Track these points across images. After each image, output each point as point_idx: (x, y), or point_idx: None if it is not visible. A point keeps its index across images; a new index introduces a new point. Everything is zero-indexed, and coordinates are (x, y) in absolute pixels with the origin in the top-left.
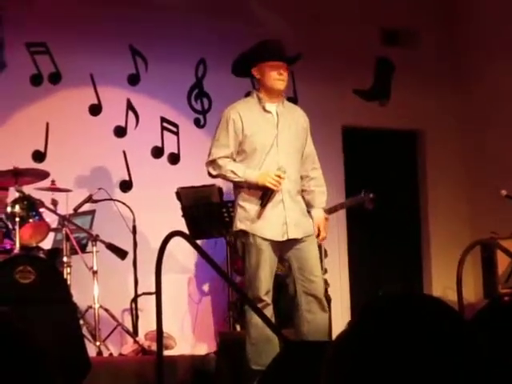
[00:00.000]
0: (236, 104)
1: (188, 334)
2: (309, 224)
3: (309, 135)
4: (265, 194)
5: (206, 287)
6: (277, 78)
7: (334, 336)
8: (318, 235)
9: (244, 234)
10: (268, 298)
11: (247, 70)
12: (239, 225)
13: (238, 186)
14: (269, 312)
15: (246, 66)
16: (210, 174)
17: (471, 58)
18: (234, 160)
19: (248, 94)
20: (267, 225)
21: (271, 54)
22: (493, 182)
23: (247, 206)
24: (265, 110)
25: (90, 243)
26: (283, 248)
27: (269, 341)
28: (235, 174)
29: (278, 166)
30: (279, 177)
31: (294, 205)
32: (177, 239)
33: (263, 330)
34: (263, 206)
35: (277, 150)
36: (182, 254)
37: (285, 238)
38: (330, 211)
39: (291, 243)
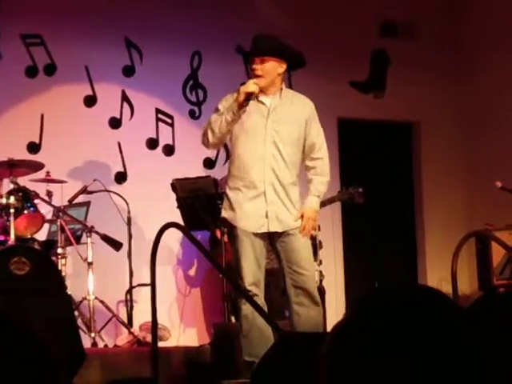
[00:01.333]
0: (232, 94)
1: (177, 325)
2: (293, 217)
3: (313, 126)
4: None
5: (195, 278)
6: (252, 73)
7: (328, 327)
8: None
9: (228, 224)
10: (255, 289)
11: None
12: (223, 213)
13: (228, 174)
14: (258, 303)
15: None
16: (206, 144)
17: (469, 51)
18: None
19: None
20: (245, 215)
21: (250, 49)
22: (488, 174)
23: (231, 196)
24: (258, 100)
25: (84, 234)
26: (271, 240)
27: (261, 332)
28: (217, 110)
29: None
30: (255, 83)
31: (278, 198)
32: (170, 231)
33: (253, 320)
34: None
35: (264, 141)
36: (173, 244)
37: (262, 231)
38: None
39: (277, 236)
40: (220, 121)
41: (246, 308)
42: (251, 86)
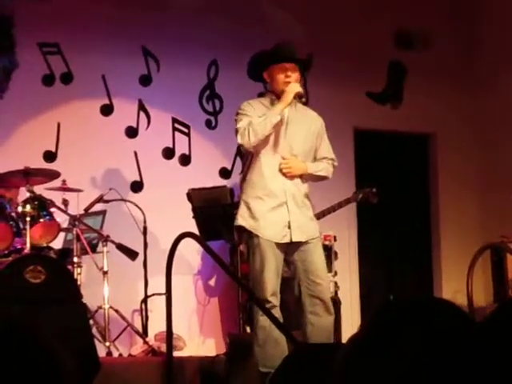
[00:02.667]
0: (251, 100)
1: (196, 335)
2: (314, 227)
3: (324, 139)
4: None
5: (213, 288)
6: (284, 80)
7: (343, 338)
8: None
9: (247, 232)
10: (274, 300)
11: (259, 74)
12: (240, 221)
13: (244, 184)
14: (275, 314)
15: (257, 70)
16: (246, 145)
17: (485, 62)
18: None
19: (261, 95)
20: (268, 225)
21: (277, 56)
22: (504, 187)
23: (251, 204)
24: (301, 101)
25: (100, 243)
26: (288, 250)
27: (277, 343)
28: (269, 119)
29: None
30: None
31: (298, 208)
32: (186, 240)
33: (270, 331)
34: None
35: (283, 151)
36: (191, 254)
37: (285, 241)
38: (333, 208)
39: (296, 245)
40: (264, 124)
41: (264, 319)
42: (297, 86)
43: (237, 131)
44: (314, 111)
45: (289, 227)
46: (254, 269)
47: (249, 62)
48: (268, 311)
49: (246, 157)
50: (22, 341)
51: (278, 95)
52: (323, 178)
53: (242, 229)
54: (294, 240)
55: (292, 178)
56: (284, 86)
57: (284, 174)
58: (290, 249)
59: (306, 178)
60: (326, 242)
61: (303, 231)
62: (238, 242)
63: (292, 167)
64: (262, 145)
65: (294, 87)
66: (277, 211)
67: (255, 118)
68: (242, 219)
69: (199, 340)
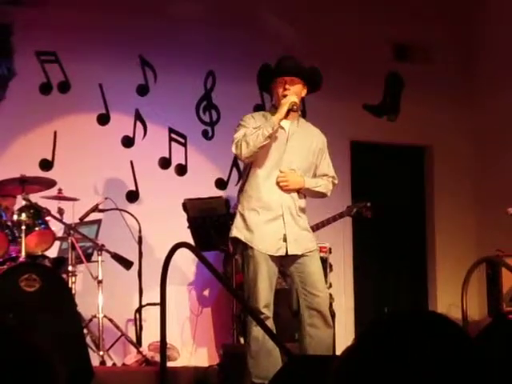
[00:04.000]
0: (255, 113)
1: (189, 345)
2: (310, 240)
3: (325, 157)
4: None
5: (206, 299)
6: (283, 93)
7: (337, 350)
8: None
9: (241, 244)
10: (267, 311)
11: (267, 87)
12: (235, 232)
13: (241, 195)
14: (269, 325)
15: (263, 84)
16: (239, 156)
17: (482, 76)
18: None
19: (257, 106)
20: (263, 238)
21: (276, 69)
22: (500, 200)
23: (247, 216)
24: (294, 111)
25: (95, 253)
26: (284, 263)
27: (269, 354)
28: (261, 131)
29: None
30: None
31: (294, 221)
32: (180, 250)
33: (263, 342)
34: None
35: (282, 165)
36: (185, 264)
37: (279, 254)
38: (328, 221)
39: (292, 258)
40: (256, 135)
41: (257, 330)
42: (292, 97)
43: (232, 141)
44: (314, 125)
45: (284, 240)
46: (248, 280)
47: (257, 76)
48: (262, 322)
49: (245, 168)
50: (16, 349)
51: (278, 105)
52: (322, 195)
53: (236, 240)
54: (289, 253)
55: (289, 191)
56: (282, 98)
57: (281, 188)
58: (285, 261)
59: (303, 193)
60: (321, 254)
61: (299, 244)
62: (233, 252)
63: (289, 181)
64: (261, 158)
65: (288, 99)
66: (272, 224)
67: (250, 129)
68: (237, 231)
69: (192, 350)
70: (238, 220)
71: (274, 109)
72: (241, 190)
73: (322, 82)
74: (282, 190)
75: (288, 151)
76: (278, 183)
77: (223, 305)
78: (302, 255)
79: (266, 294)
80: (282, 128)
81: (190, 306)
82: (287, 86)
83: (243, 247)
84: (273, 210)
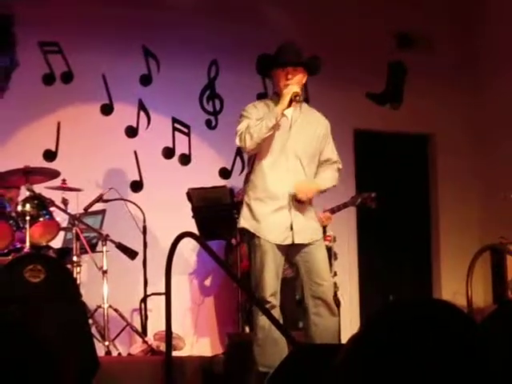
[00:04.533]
0: (257, 102)
1: (190, 335)
2: (316, 229)
3: (328, 142)
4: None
5: (209, 288)
6: (285, 83)
7: (343, 339)
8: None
9: (248, 233)
10: (274, 300)
11: (266, 74)
12: (243, 223)
13: (248, 185)
14: (275, 314)
15: (263, 72)
16: (243, 148)
17: (486, 64)
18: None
19: (260, 96)
20: (270, 227)
21: (278, 59)
22: (503, 187)
23: (254, 206)
24: (297, 102)
25: (100, 243)
26: (290, 252)
27: (276, 343)
28: (265, 122)
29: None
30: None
31: (300, 211)
32: (186, 240)
33: (270, 331)
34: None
35: (286, 153)
36: (188, 254)
37: (287, 243)
38: (332, 211)
39: (298, 247)
40: (260, 127)
41: (263, 319)
42: (294, 87)
43: (236, 133)
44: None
45: (291, 229)
46: (255, 269)
47: (255, 64)
48: (267, 311)
49: (249, 158)
50: (21, 340)
51: (280, 93)
52: (333, 187)
53: (244, 230)
54: (296, 242)
55: (308, 200)
56: (284, 88)
57: (299, 201)
58: (292, 250)
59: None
60: (326, 243)
61: (306, 233)
62: (240, 242)
63: (306, 192)
64: (265, 147)
65: (291, 89)
66: (279, 213)
67: (254, 120)
68: (245, 221)
69: (193, 339)
70: (244, 210)
71: (276, 96)
72: (246, 180)
73: (321, 68)
74: (301, 202)
75: (292, 138)
76: (298, 200)
77: (226, 294)
78: (308, 244)
79: (272, 282)
80: (285, 115)
81: (192, 295)
82: (290, 76)
83: (250, 237)
84: (279, 200)
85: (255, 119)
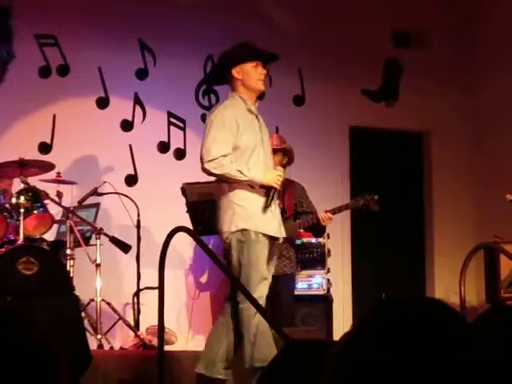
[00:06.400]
0: (226, 104)
1: (185, 330)
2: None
3: None
4: (268, 194)
5: (204, 283)
6: (259, 78)
7: (335, 336)
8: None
9: (244, 232)
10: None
11: (226, 72)
12: (241, 224)
13: (234, 188)
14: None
15: (226, 67)
16: (210, 174)
17: (481, 61)
18: None
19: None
20: (269, 221)
21: (255, 54)
22: (498, 186)
23: (247, 205)
24: (250, 112)
25: (93, 236)
26: (273, 248)
27: (266, 338)
28: (242, 173)
29: (267, 166)
30: (280, 176)
31: (276, 207)
32: (178, 234)
33: (261, 326)
34: (269, 205)
35: (262, 151)
36: (183, 248)
37: (281, 235)
38: (333, 212)
39: (278, 244)
40: (234, 174)
41: (255, 314)
42: (278, 183)
43: (210, 152)
44: (310, 108)
45: (280, 223)
46: (250, 264)
47: (218, 61)
48: (260, 307)
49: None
50: (14, 333)
51: (248, 91)
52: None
53: (240, 231)
54: (283, 235)
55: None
56: (258, 83)
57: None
58: (275, 246)
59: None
60: (320, 239)
61: (283, 228)
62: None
63: (275, 181)
64: (246, 145)
65: (274, 182)
66: (269, 209)
67: (230, 166)
68: (242, 222)
69: (188, 334)
70: (238, 212)
71: (244, 94)
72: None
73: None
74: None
75: (264, 145)
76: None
77: (221, 289)
78: (278, 241)
79: (265, 275)
80: (253, 113)
81: (187, 290)
82: (263, 71)
83: (245, 234)
84: (265, 197)
85: (230, 160)
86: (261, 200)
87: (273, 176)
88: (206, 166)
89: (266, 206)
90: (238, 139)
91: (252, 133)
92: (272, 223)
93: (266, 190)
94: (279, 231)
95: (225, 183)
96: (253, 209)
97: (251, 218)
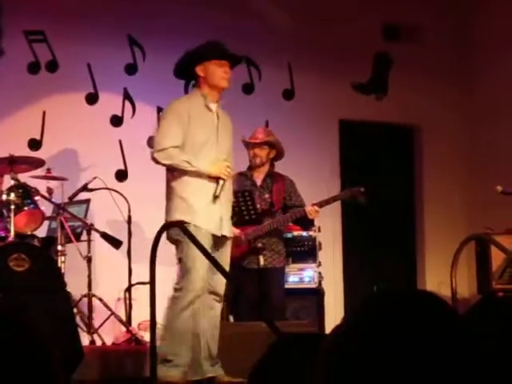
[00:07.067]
0: (182, 98)
1: None
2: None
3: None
4: (218, 184)
5: None
6: (223, 76)
7: (327, 329)
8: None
9: (187, 225)
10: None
11: (190, 68)
12: (178, 216)
13: (177, 177)
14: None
15: (190, 64)
16: (158, 163)
17: (472, 55)
18: None
19: (245, 87)
20: (208, 217)
21: (220, 52)
22: (489, 178)
23: (190, 199)
24: (208, 108)
25: (84, 232)
26: (217, 244)
27: (186, 335)
28: (189, 163)
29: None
30: (228, 167)
31: (226, 203)
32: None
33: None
34: (217, 196)
35: (215, 148)
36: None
37: (220, 233)
38: (320, 205)
39: (222, 240)
40: (182, 164)
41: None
42: (227, 176)
43: (159, 143)
44: (299, 101)
45: (221, 220)
46: (191, 258)
47: (182, 57)
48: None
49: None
50: (8, 329)
51: (211, 88)
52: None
53: (183, 223)
54: (223, 233)
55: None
56: (221, 81)
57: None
58: (219, 242)
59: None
60: (311, 233)
61: (229, 226)
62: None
63: (221, 170)
64: (198, 145)
65: (225, 174)
66: (213, 205)
67: (180, 157)
68: (181, 214)
69: None
70: (178, 203)
71: (206, 91)
72: (181, 174)
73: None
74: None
75: (219, 140)
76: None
77: None
78: (227, 239)
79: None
80: (211, 111)
81: None
82: (228, 70)
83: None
84: (211, 193)
85: (179, 151)
86: (206, 192)
87: (220, 167)
88: (155, 155)
89: (215, 197)
90: (189, 132)
91: (205, 128)
92: (212, 219)
93: (216, 182)
94: (218, 228)
95: (169, 172)
96: (196, 204)
97: (191, 212)
